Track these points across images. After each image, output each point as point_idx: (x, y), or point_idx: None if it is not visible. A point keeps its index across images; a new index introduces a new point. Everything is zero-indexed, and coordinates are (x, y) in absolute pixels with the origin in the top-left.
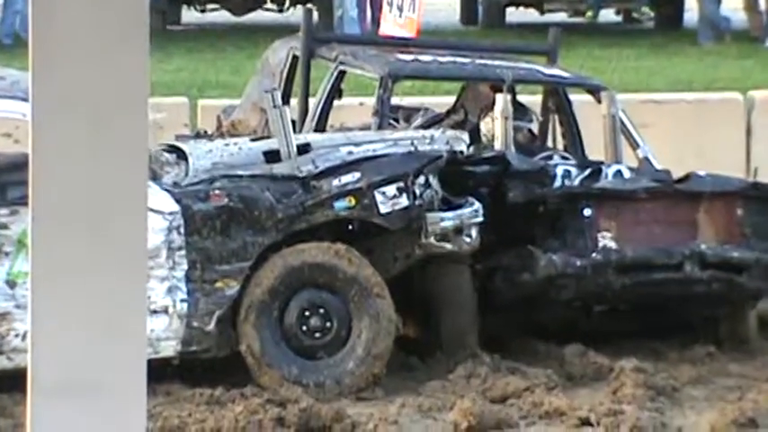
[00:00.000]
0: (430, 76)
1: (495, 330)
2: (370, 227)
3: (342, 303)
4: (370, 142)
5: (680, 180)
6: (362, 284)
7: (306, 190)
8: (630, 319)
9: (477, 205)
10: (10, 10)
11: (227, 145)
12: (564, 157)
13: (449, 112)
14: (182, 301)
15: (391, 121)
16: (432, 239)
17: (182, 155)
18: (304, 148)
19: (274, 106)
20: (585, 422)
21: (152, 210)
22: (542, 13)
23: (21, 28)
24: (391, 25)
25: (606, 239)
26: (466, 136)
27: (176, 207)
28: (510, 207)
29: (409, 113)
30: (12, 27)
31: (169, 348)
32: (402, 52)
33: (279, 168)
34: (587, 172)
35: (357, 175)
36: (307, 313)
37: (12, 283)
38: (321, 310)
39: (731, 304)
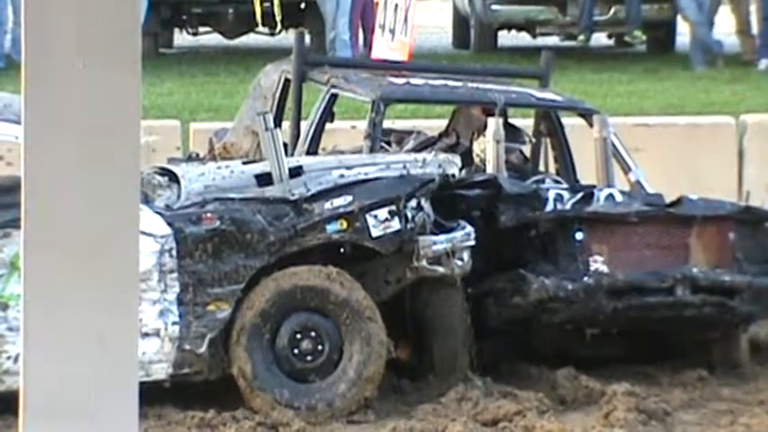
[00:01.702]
0: (422, 99)
1: (487, 354)
2: (361, 250)
3: (333, 326)
4: (362, 165)
5: (672, 204)
6: (354, 308)
7: (298, 213)
8: (622, 342)
9: (469, 229)
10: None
11: (219, 168)
12: (556, 181)
13: (441, 136)
14: (173, 323)
15: (383, 145)
16: (424, 263)
17: (174, 178)
18: (296, 171)
19: (266, 129)
20: None
21: (144, 233)
22: (534, 36)
23: (14, 51)
24: (383, 48)
25: (598, 263)
26: (458, 159)
27: (168, 230)
28: (502, 231)
29: (401, 137)
30: (1, 48)
31: (161, 371)
32: (394, 76)
33: (271, 191)
34: (579, 196)
35: (349, 198)
36: (298, 336)
37: (4, 306)
38: (313, 334)
39: (723, 328)
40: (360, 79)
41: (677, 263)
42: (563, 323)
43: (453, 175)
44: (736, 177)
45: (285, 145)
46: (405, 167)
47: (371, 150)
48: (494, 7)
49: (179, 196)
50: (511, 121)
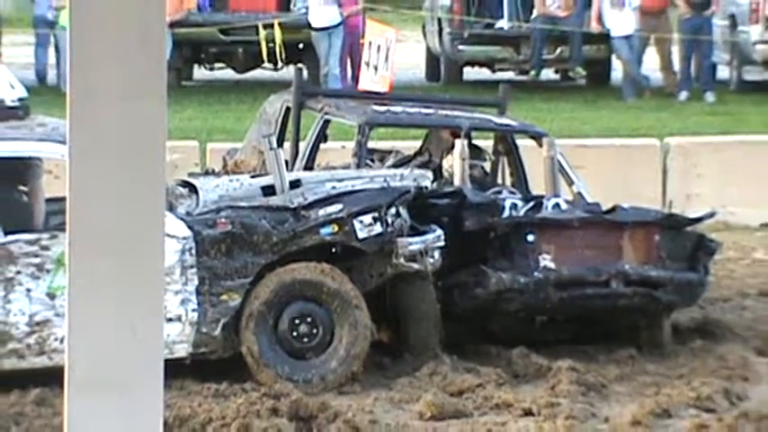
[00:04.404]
0: (400, 124)
1: (454, 336)
2: (350, 249)
3: (326, 313)
4: (351, 179)
5: (608, 211)
6: (344, 297)
7: (296, 218)
8: (566, 327)
9: (439, 232)
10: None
11: (231, 181)
12: (511, 192)
13: (416, 154)
14: (193, 310)
15: (368, 162)
16: (401, 260)
17: (193, 189)
18: (295, 184)
19: (270, 149)
20: (528, 413)
21: (168, 235)
22: (494, 71)
23: (60, 83)
24: (368, 81)
25: (546, 260)
26: (430, 174)
27: (188, 232)
28: (466, 233)
29: (383, 155)
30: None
31: (182, 350)
32: (377, 104)
33: (274, 200)
34: (531, 204)
35: (339, 206)
36: (297, 321)
37: (52, 296)
38: (309, 319)
39: (650, 315)
40: (348, 107)
41: (612, 260)
42: (517, 311)
43: (426, 188)
44: (661, 189)
45: (286, 162)
46: (386, 181)
47: (358, 166)
48: (460, 47)
49: (197, 204)
50: (474, 142)
